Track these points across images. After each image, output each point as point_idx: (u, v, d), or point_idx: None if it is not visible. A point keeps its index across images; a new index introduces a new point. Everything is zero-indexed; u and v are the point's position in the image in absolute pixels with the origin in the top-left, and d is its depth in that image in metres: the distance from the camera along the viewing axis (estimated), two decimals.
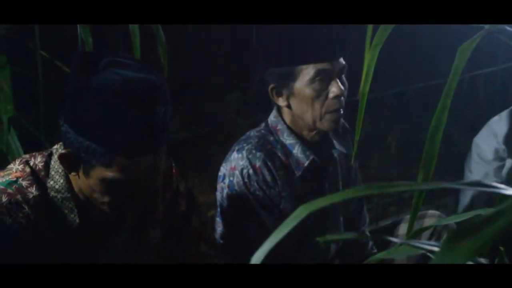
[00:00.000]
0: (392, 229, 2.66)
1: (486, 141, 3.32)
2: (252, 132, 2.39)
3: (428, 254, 1.13)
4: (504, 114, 3.26)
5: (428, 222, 2.52)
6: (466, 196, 3.32)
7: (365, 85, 1.44)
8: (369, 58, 1.39)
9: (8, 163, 2.11)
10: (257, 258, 0.96)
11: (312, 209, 0.96)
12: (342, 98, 2.27)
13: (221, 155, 2.47)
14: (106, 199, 1.84)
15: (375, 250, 2.61)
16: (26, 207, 1.87)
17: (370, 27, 1.38)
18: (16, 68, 2.91)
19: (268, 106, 2.43)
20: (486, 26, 1.26)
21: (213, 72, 4.97)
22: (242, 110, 4.84)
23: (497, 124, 3.25)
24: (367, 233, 2.65)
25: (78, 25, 2.45)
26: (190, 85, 4.70)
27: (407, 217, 2.67)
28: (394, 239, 1.14)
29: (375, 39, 1.38)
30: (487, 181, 0.98)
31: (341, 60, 2.27)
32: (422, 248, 1.13)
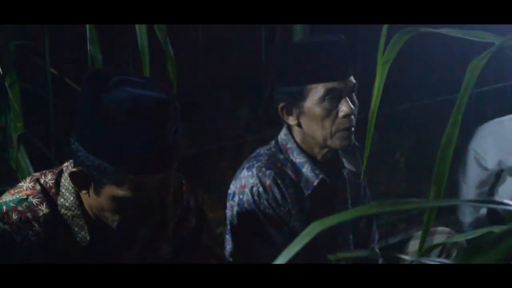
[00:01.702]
0: (401, 247, 2.65)
1: (487, 148, 3.31)
2: (262, 150, 2.39)
3: None
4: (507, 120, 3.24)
5: (438, 239, 2.51)
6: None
7: (375, 102, 1.44)
8: (380, 75, 1.39)
9: (18, 181, 2.11)
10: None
11: (324, 226, 0.96)
12: (352, 116, 2.27)
13: (231, 172, 2.48)
14: (116, 217, 1.84)
15: None
16: (36, 225, 1.88)
17: (381, 42, 1.38)
18: (26, 86, 2.92)
19: (277, 122, 2.43)
20: (497, 42, 1.26)
21: (222, 88, 4.98)
22: (251, 126, 4.84)
23: (500, 131, 3.23)
24: (377, 250, 2.64)
25: (88, 43, 2.47)
26: (199, 101, 4.71)
27: (417, 234, 2.67)
28: (405, 257, 1.13)
29: (385, 56, 1.39)
30: (503, 199, 0.98)
31: (351, 78, 2.27)
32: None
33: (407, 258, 1.17)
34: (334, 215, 0.99)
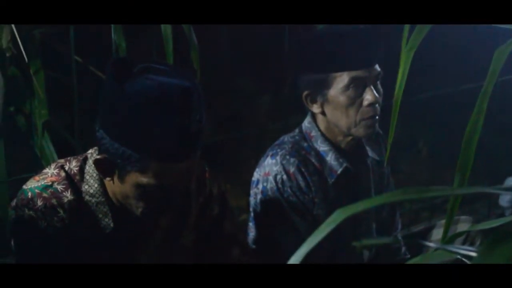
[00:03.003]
0: (424, 235, 2.64)
1: None
2: (286, 138, 2.39)
3: (464, 259, 1.12)
4: None
5: (461, 227, 2.50)
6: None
7: (399, 90, 1.43)
8: (404, 62, 1.39)
9: (42, 167, 2.13)
10: (294, 262, 0.96)
11: (348, 214, 0.96)
12: (377, 105, 2.26)
13: (253, 159, 2.48)
14: (140, 204, 1.85)
15: (408, 256, 2.60)
16: (61, 211, 1.89)
17: (406, 30, 1.38)
18: (50, 73, 2.93)
19: (300, 109, 2.43)
20: None
21: (244, 76, 4.98)
22: (273, 113, 4.84)
23: None
24: (400, 238, 2.63)
25: (112, 30, 2.47)
26: (222, 88, 4.72)
27: (440, 222, 2.66)
28: (430, 244, 1.13)
29: (409, 44, 1.38)
30: None
31: (376, 66, 2.27)
32: (458, 253, 1.12)
33: (432, 245, 1.17)
34: (358, 202, 0.99)
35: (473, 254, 1.06)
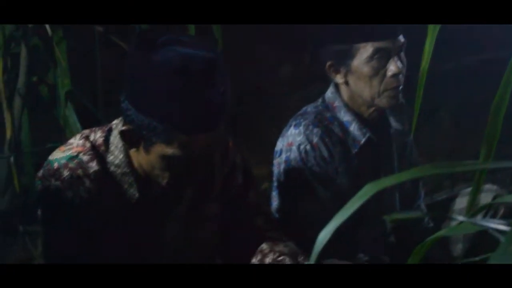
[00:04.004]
0: (447, 204, 2.64)
1: None
2: (309, 108, 2.39)
3: (493, 233, 1.12)
4: None
5: (485, 197, 2.49)
6: None
7: (426, 61, 1.43)
8: (431, 34, 1.38)
9: (66, 137, 2.14)
10: (323, 236, 0.97)
11: (379, 187, 0.96)
12: (401, 76, 2.26)
13: (274, 128, 2.48)
14: (166, 175, 1.86)
15: (431, 225, 2.60)
16: (87, 182, 1.90)
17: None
18: (73, 43, 2.94)
19: (321, 79, 2.43)
20: None
21: (265, 45, 4.96)
22: (294, 83, 4.83)
23: None
24: (423, 207, 2.64)
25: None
26: (242, 58, 4.71)
27: (464, 191, 2.65)
28: (458, 218, 1.13)
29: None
30: None
31: (400, 37, 2.26)
32: (487, 227, 1.12)
33: (459, 218, 1.16)
34: (389, 176, 1.00)
35: (504, 227, 1.06)
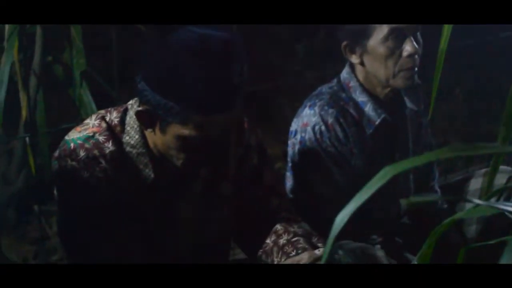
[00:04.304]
0: (462, 185, 2.64)
1: None
2: (324, 88, 2.39)
3: (509, 215, 1.13)
4: None
5: (499, 177, 2.48)
6: None
7: (444, 41, 1.42)
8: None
9: (81, 117, 2.14)
10: (340, 219, 0.97)
11: (397, 171, 0.96)
12: (416, 56, 2.25)
13: (287, 108, 2.47)
14: (181, 155, 1.86)
15: (446, 206, 2.60)
16: (103, 162, 1.91)
17: None
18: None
19: (335, 58, 2.42)
20: None
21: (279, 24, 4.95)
22: (308, 62, 4.82)
23: None
24: (437, 188, 2.63)
25: None
26: (256, 36, 4.69)
27: (478, 172, 2.64)
28: (476, 201, 1.13)
29: None
30: None
31: None
32: (504, 209, 1.12)
33: (477, 201, 1.16)
34: (407, 160, 0.99)
35: None
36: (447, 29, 1.36)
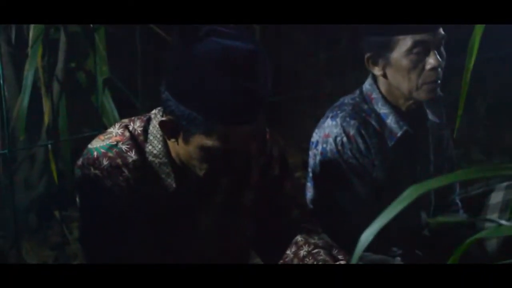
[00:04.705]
0: (483, 198, 2.63)
1: None
2: (346, 99, 2.39)
3: None
4: None
5: None
6: None
7: (469, 60, 1.42)
8: (475, 34, 1.37)
9: (103, 124, 2.15)
10: (366, 237, 0.97)
11: (423, 190, 0.97)
12: (439, 69, 2.25)
13: (309, 116, 2.47)
14: (204, 166, 1.87)
15: (466, 218, 2.59)
16: (125, 171, 1.92)
17: None
18: (112, 30, 2.96)
19: (357, 67, 2.41)
20: None
21: (300, 31, 4.95)
22: (330, 70, 4.81)
23: None
24: (458, 201, 2.63)
25: None
26: (278, 45, 4.70)
27: (499, 186, 2.63)
28: (502, 222, 1.12)
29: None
30: None
31: (440, 30, 2.24)
32: None
33: (504, 223, 1.16)
34: (433, 179, 1.00)
35: None
36: (474, 45, 1.36)
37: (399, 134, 2.34)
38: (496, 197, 2.58)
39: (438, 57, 2.24)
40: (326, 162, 2.34)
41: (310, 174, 2.42)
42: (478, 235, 1.23)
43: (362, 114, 2.34)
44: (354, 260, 0.99)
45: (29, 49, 2.98)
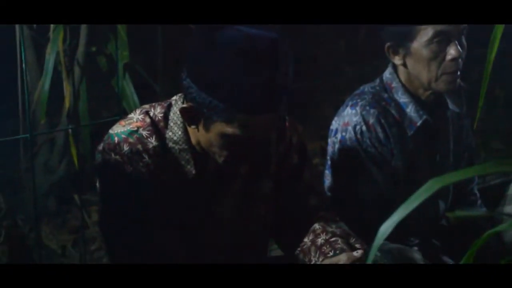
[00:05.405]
0: (501, 188, 2.62)
1: None
2: (366, 88, 2.39)
3: None
4: None
5: None
6: None
7: (491, 52, 1.42)
8: (495, 31, 1.37)
9: (123, 109, 2.16)
10: (384, 229, 0.98)
11: (443, 183, 0.97)
12: (460, 60, 2.24)
13: (327, 102, 2.47)
14: (223, 153, 1.87)
15: (484, 208, 2.59)
16: (146, 157, 1.93)
17: None
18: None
19: (376, 55, 2.41)
20: None
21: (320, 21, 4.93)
22: (349, 58, 4.81)
23: None
24: (476, 191, 2.62)
25: None
26: (297, 32, 4.69)
27: None
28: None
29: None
30: None
31: None
32: None
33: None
34: (454, 172, 0.99)
35: None
36: (496, 40, 1.36)
37: (418, 123, 2.34)
38: None
39: (459, 47, 2.23)
40: (345, 151, 2.34)
41: (329, 162, 2.43)
42: (496, 229, 1.24)
43: (382, 103, 2.34)
44: (372, 252, 1.00)
45: (50, 33, 2.99)
